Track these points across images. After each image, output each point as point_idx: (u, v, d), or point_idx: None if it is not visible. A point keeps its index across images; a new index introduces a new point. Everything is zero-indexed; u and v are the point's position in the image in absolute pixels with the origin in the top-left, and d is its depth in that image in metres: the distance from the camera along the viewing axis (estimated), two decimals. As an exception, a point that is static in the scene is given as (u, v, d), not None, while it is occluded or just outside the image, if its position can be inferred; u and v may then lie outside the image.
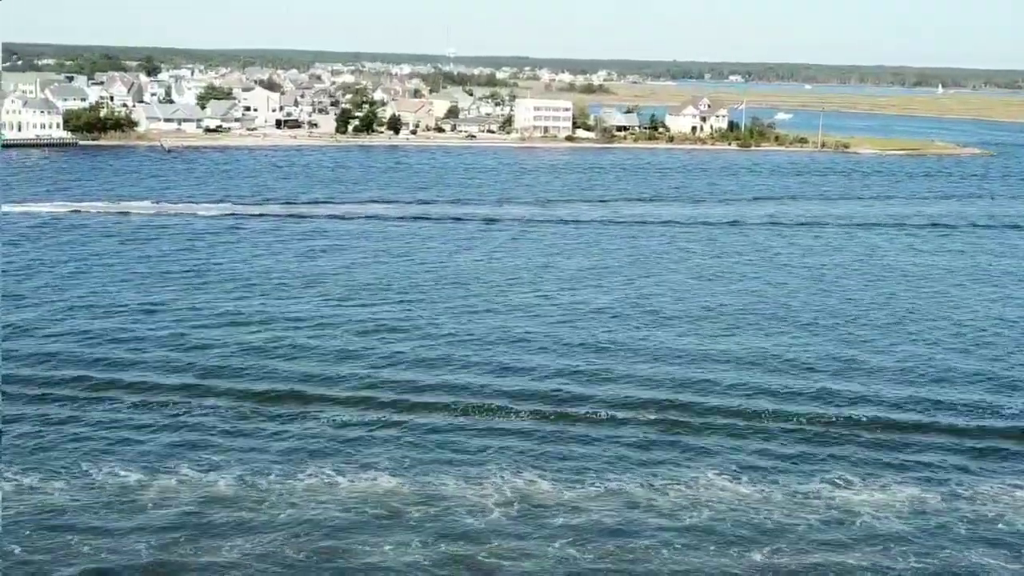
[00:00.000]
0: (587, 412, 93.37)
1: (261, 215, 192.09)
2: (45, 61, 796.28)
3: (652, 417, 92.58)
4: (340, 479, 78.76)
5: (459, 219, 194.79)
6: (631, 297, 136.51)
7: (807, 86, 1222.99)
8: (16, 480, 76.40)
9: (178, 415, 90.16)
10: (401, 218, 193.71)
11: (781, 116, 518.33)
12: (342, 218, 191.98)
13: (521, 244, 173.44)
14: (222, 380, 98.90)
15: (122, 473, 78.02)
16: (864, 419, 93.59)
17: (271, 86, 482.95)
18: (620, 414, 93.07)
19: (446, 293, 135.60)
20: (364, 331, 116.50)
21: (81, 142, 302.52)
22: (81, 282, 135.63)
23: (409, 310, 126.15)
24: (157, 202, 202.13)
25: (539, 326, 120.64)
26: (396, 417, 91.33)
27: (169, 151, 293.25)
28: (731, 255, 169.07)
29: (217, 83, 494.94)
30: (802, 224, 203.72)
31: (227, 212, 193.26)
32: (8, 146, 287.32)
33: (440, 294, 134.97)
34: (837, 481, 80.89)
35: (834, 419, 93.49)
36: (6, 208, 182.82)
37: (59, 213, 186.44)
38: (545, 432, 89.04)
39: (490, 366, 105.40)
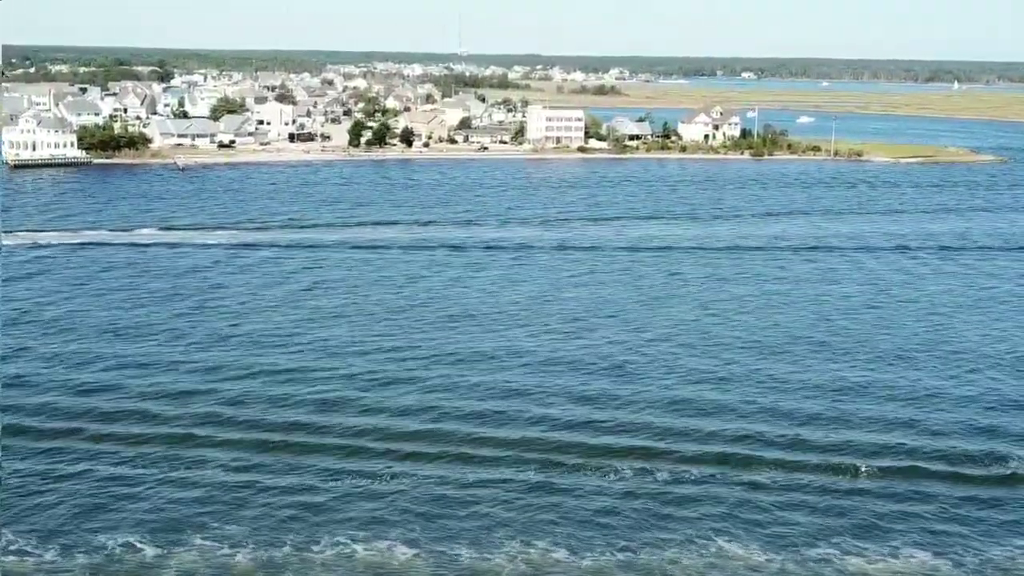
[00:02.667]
0: (592, 469, 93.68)
1: (265, 244, 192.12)
2: (58, 67, 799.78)
3: (658, 473, 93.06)
4: (356, 547, 79.52)
5: (461, 246, 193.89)
6: (632, 339, 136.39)
7: (824, 83, 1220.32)
8: (36, 554, 77.33)
9: (181, 471, 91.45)
10: (406, 247, 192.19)
11: (804, 119, 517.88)
12: (344, 245, 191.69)
13: (522, 274, 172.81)
14: (219, 430, 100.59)
15: (138, 545, 78.82)
16: (871, 471, 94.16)
17: (283, 97, 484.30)
18: (625, 471, 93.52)
19: (443, 330, 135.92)
20: (357, 374, 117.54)
21: (95, 160, 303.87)
22: (78, 318, 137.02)
23: (405, 350, 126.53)
24: (166, 229, 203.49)
25: (536, 370, 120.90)
26: (402, 472, 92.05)
27: (183, 169, 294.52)
28: (728, 285, 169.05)
29: (230, 92, 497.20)
30: (810, 248, 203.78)
31: (233, 241, 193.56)
32: (22, 166, 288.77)
33: (438, 331, 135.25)
34: (849, 548, 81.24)
35: (839, 472, 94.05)
36: (8, 240, 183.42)
37: (65, 243, 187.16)
38: (554, 490, 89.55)
39: (492, 416, 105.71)
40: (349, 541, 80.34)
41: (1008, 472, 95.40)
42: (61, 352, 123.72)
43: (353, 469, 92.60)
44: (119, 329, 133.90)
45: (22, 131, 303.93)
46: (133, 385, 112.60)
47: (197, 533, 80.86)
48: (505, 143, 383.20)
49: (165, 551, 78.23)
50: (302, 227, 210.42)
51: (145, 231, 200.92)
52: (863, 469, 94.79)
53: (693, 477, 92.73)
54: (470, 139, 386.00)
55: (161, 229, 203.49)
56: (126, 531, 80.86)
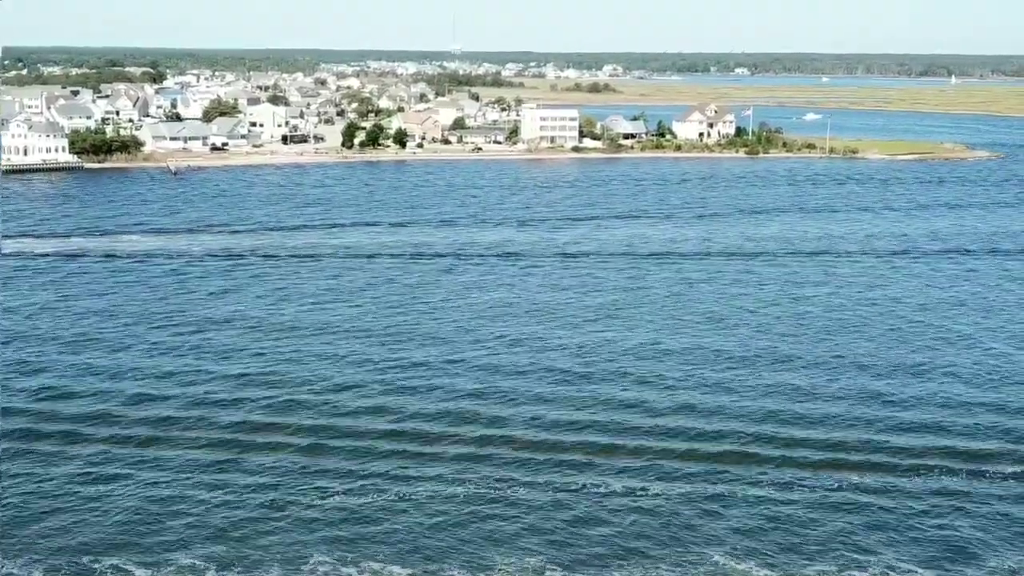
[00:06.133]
0: (583, 484, 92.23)
1: (247, 250, 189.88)
2: (50, 69, 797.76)
3: (650, 487, 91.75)
4: (347, 569, 78.21)
5: (448, 254, 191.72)
6: (611, 348, 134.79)
7: (824, 78, 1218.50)
8: (22, 578, 76.26)
9: (164, 489, 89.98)
10: (399, 255, 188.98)
11: (811, 116, 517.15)
12: (329, 255, 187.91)
13: (504, 281, 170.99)
14: (195, 447, 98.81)
15: (127, 567, 77.60)
16: (868, 481, 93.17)
17: (276, 98, 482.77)
18: (615, 486, 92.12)
19: (427, 340, 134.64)
20: (336, 386, 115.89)
21: (87, 165, 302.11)
22: (51, 327, 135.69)
23: (388, 363, 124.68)
24: (152, 234, 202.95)
25: (518, 382, 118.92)
26: (392, 490, 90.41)
27: (175, 173, 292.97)
28: (698, 290, 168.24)
29: (223, 93, 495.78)
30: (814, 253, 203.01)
31: (216, 247, 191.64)
32: (13, 172, 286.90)
33: (423, 342, 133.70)
34: (847, 562, 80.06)
35: (836, 483, 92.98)
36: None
37: (47, 251, 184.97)
38: (546, 507, 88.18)
39: (482, 433, 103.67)
40: (338, 562, 79.02)
41: (1008, 480, 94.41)
42: (28, 361, 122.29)
43: (342, 487, 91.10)
44: (91, 338, 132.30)
45: (13, 136, 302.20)
46: (105, 398, 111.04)
47: (184, 553, 79.45)
48: (499, 143, 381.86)
49: (152, 572, 76.96)
50: (286, 231, 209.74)
51: (133, 237, 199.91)
52: (859, 480, 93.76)
53: (685, 490, 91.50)
54: (464, 139, 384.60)
55: (145, 235, 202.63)
56: (113, 552, 79.33)
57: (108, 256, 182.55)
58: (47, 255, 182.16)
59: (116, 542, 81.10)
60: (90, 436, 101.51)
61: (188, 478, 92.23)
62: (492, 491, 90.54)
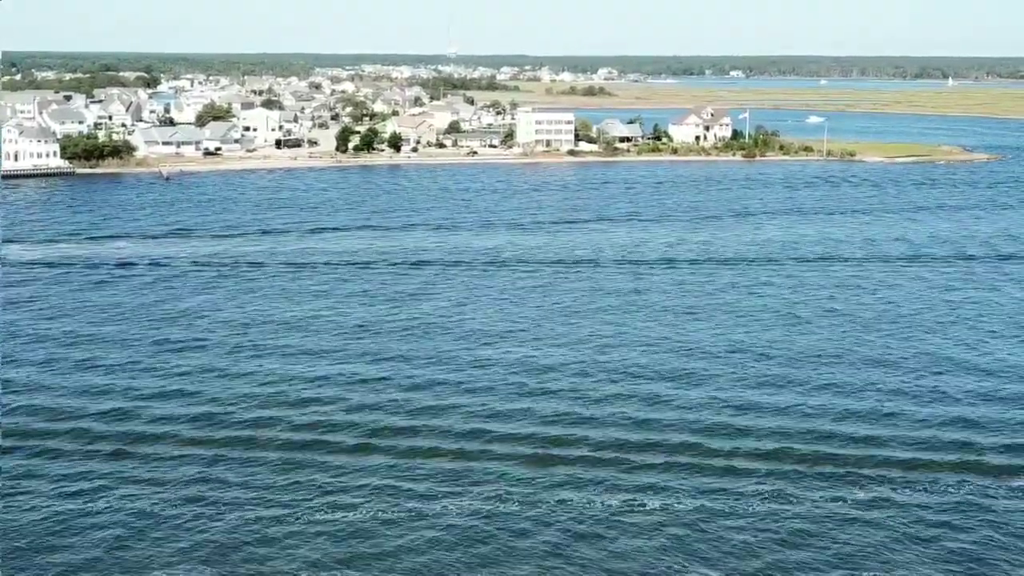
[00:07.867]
0: (545, 501, 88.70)
1: (236, 257, 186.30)
2: (44, 74, 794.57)
3: (651, 503, 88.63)
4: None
5: (437, 261, 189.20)
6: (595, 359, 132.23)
7: (823, 81, 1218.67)
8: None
9: (137, 501, 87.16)
10: (394, 263, 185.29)
11: (814, 119, 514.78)
12: (317, 260, 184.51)
13: (496, 286, 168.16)
14: (161, 462, 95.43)
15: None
16: (861, 494, 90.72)
17: (270, 102, 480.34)
18: (610, 496, 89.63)
19: (410, 352, 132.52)
20: (302, 403, 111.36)
21: (79, 170, 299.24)
22: (24, 335, 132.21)
23: (372, 376, 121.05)
24: (139, 239, 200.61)
25: (490, 395, 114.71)
26: (374, 506, 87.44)
27: (168, 179, 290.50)
28: (680, 294, 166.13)
29: (217, 98, 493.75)
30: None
31: (203, 253, 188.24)
32: (3, 177, 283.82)
33: (406, 356, 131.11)
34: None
35: (829, 493, 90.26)
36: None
37: (29, 259, 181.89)
38: (537, 520, 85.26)
39: (461, 447, 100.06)
40: (339, 583, 76.37)
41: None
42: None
43: (321, 503, 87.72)
44: (70, 347, 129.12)
45: (4, 141, 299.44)
46: (75, 406, 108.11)
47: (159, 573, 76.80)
48: (495, 147, 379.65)
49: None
50: (275, 235, 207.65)
51: (120, 243, 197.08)
52: (849, 497, 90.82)
53: (667, 505, 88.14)
54: (459, 143, 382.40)
55: (132, 240, 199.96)
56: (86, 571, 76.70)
57: (93, 262, 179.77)
58: (33, 262, 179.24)
59: (87, 565, 78.01)
60: (62, 445, 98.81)
61: (149, 497, 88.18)
62: (473, 511, 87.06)
